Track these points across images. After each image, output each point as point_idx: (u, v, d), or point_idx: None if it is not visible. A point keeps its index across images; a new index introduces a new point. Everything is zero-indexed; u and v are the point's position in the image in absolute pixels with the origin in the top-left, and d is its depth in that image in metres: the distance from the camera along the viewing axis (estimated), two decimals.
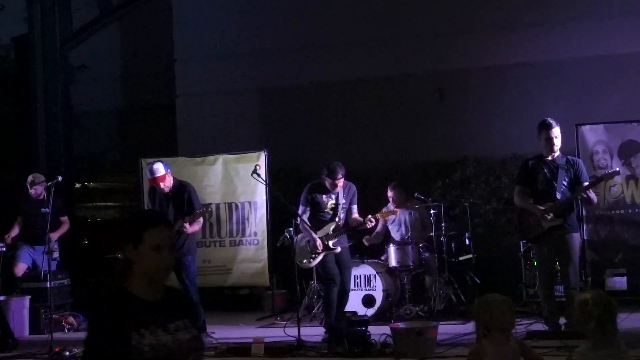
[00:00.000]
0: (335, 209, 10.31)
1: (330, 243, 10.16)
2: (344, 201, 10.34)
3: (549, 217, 8.99)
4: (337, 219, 10.27)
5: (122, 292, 4.11)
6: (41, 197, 12.06)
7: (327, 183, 10.28)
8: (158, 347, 4.00)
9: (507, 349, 5.27)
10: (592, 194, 9.22)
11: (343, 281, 10.27)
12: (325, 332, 9.81)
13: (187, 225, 10.01)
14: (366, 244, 11.87)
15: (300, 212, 10.33)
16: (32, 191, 12.11)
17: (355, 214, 10.39)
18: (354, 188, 10.48)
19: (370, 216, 10.37)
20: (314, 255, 10.19)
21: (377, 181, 13.04)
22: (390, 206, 11.91)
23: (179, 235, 10.12)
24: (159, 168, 10.18)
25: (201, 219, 10.49)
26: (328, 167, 10.26)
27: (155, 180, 10.22)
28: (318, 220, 10.27)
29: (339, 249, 10.21)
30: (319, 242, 10.12)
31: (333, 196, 10.29)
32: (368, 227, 10.54)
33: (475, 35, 14.17)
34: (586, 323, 5.01)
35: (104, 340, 3.96)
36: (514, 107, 13.67)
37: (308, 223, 10.22)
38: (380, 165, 13.87)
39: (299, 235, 10.56)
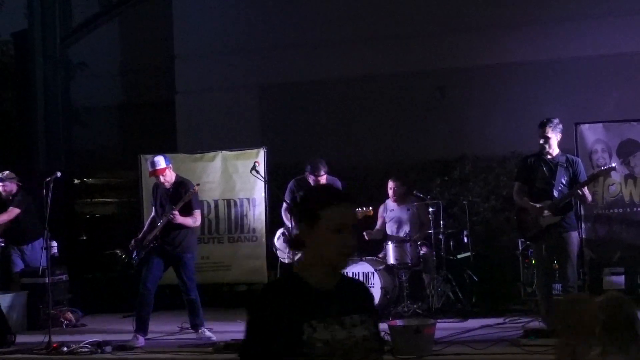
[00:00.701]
0: None
1: None
2: None
3: (545, 214, 8.99)
4: None
5: (294, 279, 3.64)
6: (12, 194, 12.08)
7: (311, 180, 10.47)
8: (332, 343, 3.49)
9: None
10: (587, 192, 9.21)
11: None
12: None
13: (176, 213, 9.99)
14: (366, 237, 11.86)
15: (283, 208, 10.44)
16: (0, 189, 12.12)
17: None
18: (338, 183, 10.62)
19: None
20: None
21: (376, 178, 13.04)
22: (389, 202, 11.93)
23: (178, 231, 10.12)
24: (160, 161, 10.16)
25: (199, 216, 10.44)
26: (310, 164, 10.48)
27: (154, 173, 10.19)
28: None
29: None
30: None
31: None
32: None
33: (476, 33, 14.16)
34: (595, 327, 4.75)
35: (271, 332, 3.47)
36: (514, 105, 13.66)
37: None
38: (380, 163, 13.86)
39: (278, 231, 10.67)
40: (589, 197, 9.38)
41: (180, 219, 10.00)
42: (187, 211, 10.11)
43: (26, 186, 12.31)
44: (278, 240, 10.76)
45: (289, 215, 10.41)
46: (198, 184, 10.54)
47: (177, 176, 10.36)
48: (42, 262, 11.74)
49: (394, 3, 14.75)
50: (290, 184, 10.70)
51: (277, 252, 10.78)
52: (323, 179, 10.40)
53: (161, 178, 10.17)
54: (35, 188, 11.61)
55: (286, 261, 10.69)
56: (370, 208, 10.59)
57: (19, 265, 12.24)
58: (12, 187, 12.09)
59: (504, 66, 14.01)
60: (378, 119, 14.66)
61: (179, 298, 10.52)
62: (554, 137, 9.16)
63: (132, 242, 10.31)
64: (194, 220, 10.27)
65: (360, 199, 12.53)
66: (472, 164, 13.60)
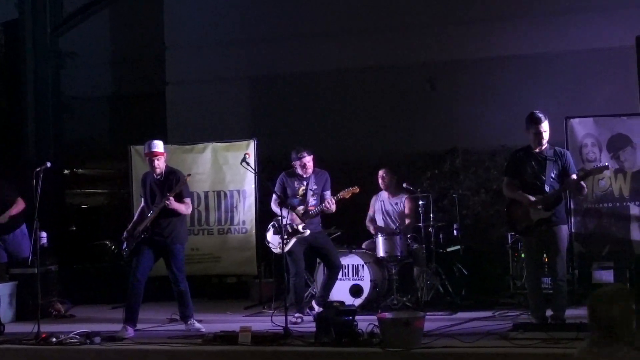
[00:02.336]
0: (305, 195, 10.60)
1: (300, 227, 10.45)
2: (314, 187, 10.62)
3: (539, 207, 8.99)
4: (305, 205, 10.54)
5: None
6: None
7: (297, 165, 10.61)
8: None
9: None
10: (582, 183, 9.22)
11: (330, 259, 10.68)
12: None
13: (172, 199, 9.98)
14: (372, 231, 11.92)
15: (273, 200, 10.60)
16: None
17: (328, 199, 10.56)
18: (326, 175, 10.75)
19: (328, 198, 10.56)
20: (287, 241, 10.39)
21: (366, 171, 13.02)
22: (383, 194, 11.95)
23: (168, 222, 10.11)
24: (159, 145, 10.18)
25: (190, 205, 10.41)
26: (294, 150, 10.65)
27: (152, 154, 10.16)
28: (288, 204, 10.48)
29: (307, 232, 10.50)
30: (297, 220, 10.46)
31: (304, 183, 10.61)
32: (327, 208, 10.57)
33: (467, 26, 14.15)
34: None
35: None
36: (504, 99, 13.65)
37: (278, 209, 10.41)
38: (370, 155, 13.86)
39: (270, 225, 10.76)
40: (585, 189, 9.40)
41: (175, 205, 10.02)
42: (178, 200, 10.11)
43: (16, 176, 12.26)
44: (268, 232, 10.78)
45: (279, 209, 10.42)
46: (189, 174, 10.55)
47: (167, 166, 10.35)
48: (24, 250, 11.73)
49: None
50: (281, 177, 10.74)
51: (269, 244, 10.82)
52: (308, 162, 10.55)
53: (155, 161, 10.15)
54: (25, 178, 11.55)
55: (277, 251, 10.70)
56: (356, 186, 10.58)
57: (2, 257, 12.22)
58: None
59: (494, 59, 14.00)
60: (368, 111, 14.65)
61: (169, 289, 10.50)
62: (548, 131, 9.16)
63: (125, 233, 10.29)
64: (187, 208, 10.28)
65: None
66: (463, 157, 13.62)
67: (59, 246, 13.42)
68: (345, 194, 10.51)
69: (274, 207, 10.67)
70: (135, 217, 10.54)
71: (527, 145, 9.28)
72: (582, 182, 9.16)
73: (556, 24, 13.74)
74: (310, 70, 15.03)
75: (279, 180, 10.72)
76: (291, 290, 10.46)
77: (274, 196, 10.59)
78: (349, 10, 14.87)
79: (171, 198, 9.96)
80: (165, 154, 10.25)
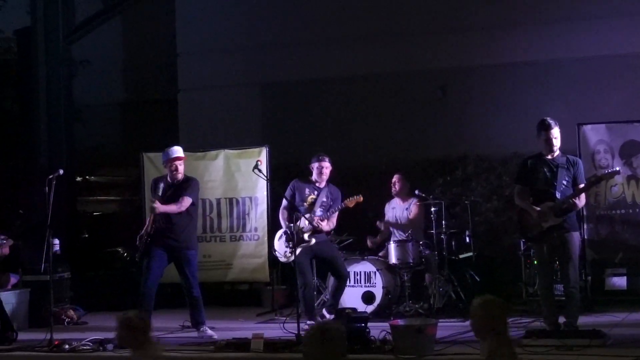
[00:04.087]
0: (313, 204, 10.49)
1: (305, 236, 10.33)
2: (324, 199, 10.51)
3: (546, 224, 8.96)
4: (312, 214, 10.41)
5: None
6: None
7: (315, 168, 10.55)
8: None
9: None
10: (577, 200, 9.17)
11: (336, 269, 10.56)
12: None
13: (157, 203, 10.01)
14: (370, 245, 11.89)
15: (283, 205, 10.58)
16: None
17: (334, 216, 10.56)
18: (339, 193, 10.66)
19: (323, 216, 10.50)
20: (291, 250, 10.31)
21: (378, 178, 13.03)
22: (395, 201, 11.94)
23: (181, 226, 10.13)
24: (179, 149, 10.26)
25: (186, 203, 10.34)
26: (316, 154, 10.62)
27: (176, 159, 10.23)
28: (295, 212, 10.36)
29: (314, 241, 10.39)
30: (304, 229, 10.35)
31: (315, 192, 10.52)
32: (318, 225, 10.42)
33: (478, 33, 14.15)
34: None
35: None
36: (516, 105, 13.65)
37: (286, 216, 10.45)
38: (381, 162, 13.86)
39: (280, 231, 10.76)
40: (579, 205, 9.31)
41: (163, 208, 10.07)
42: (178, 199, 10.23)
43: (28, 184, 12.29)
44: (280, 240, 10.75)
45: (285, 214, 10.42)
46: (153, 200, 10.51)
47: (184, 175, 10.44)
48: None
49: (396, 1, 14.77)
50: (293, 182, 10.72)
51: (275, 253, 10.79)
52: (326, 166, 10.52)
53: (179, 166, 10.20)
54: (38, 185, 11.59)
55: (283, 260, 10.70)
56: (360, 195, 10.52)
57: None
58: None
59: (505, 66, 14.00)
60: (380, 118, 14.66)
61: (180, 296, 10.53)
62: (559, 137, 9.15)
63: (138, 239, 10.32)
64: (178, 206, 10.24)
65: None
66: (474, 163, 13.60)
67: (72, 253, 13.45)
68: (350, 202, 10.45)
69: (281, 215, 10.65)
70: (147, 223, 10.56)
71: (538, 153, 9.27)
72: (577, 199, 9.11)
73: (568, 30, 13.73)
74: (322, 77, 15.04)
75: (291, 186, 10.70)
76: (301, 302, 10.32)
77: (283, 203, 10.58)
78: (360, 17, 14.88)
79: (156, 203, 10.00)
80: (185, 158, 10.34)
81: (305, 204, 10.54)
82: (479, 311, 5.58)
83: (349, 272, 10.89)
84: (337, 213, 10.56)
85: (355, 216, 11.55)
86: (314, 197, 10.54)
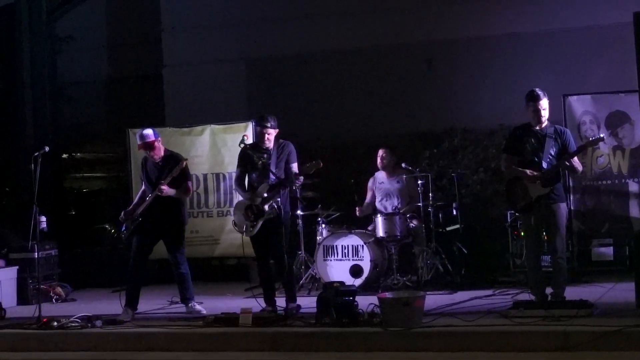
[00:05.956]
0: (265, 169, 9.63)
1: (265, 207, 9.58)
2: (276, 160, 9.67)
3: (537, 182, 8.96)
4: (268, 181, 9.61)
5: None
6: None
7: (257, 132, 9.88)
8: None
9: None
10: (576, 163, 9.16)
11: (275, 249, 9.71)
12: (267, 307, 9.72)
13: (164, 187, 9.93)
14: (358, 214, 11.88)
15: (235, 175, 10.04)
16: None
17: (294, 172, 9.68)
18: (290, 147, 9.79)
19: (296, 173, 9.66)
20: (254, 223, 9.65)
21: (364, 151, 13.01)
22: (378, 174, 11.93)
23: (169, 204, 10.04)
24: (149, 133, 10.10)
25: (190, 188, 10.36)
26: (259, 116, 9.85)
27: (144, 146, 10.12)
28: (251, 182, 9.83)
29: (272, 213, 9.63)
30: (253, 206, 9.62)
31: (265, 155, 9.67)
32: (298, 184, 9.74)
33: (463, 4, 14.11)
34: None
35: None
36: (502, 77, 13.63)
37: (241, 187, 9.85)
38: (368, 136, 13.83)
39: (235, 203, 10.26)
40: (579, 167, 9.33)
41: (170, 192, 9.97)
42: (177, 184, 10.06)
43: (14, 161, 12.24)
44: (238, 213, 9.98)
45: (239, 189, 9.91)
46: (186, 159, 10.39)
47: (166, 150, 10.30)
48: None
49: None
50: (241, 152, 9.96)
51: (235, 228, 10.02)
52: (270, 135, 9.67)
53: (150, 151, 10.11)
54: (23, 163, 11.55)
55: (253, 233, 9.74)
56: (319, 160, 9.40)
57: None
58: None
59: (491, 38, 13.97)
60: (366, 92, 14.63)
61: (169, 272, 10.51)
62: (548, 108, 9.13)
63: (122, 214, 10.24)
64: (186, 192, 10.24)
65: (347, 172, 12.56)
66: (461, 136, 13.60)
67: (59, 231, 13.44)
68: (308, 169, 9.46)
69: (235, 187, 10.19)
70: (135, 200, 10.52)
71: (526, 123, 9.25)
72: (574, 162, 9.10)
73: (555, 1, 13.69)
74: (308, 51, 14.99)
75: (239, 154, 9.96)
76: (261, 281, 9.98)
77: (236, 173, 10.00)
78: None
79: (164, 187, 9.91)
80: (158, 139, 10.18)
81: (257, 170, 9.74)
82: None
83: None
84: (295, 164, 9.72)
85: (342, 190, 11.54)
86: (263, 161, 9.66)
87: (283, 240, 9.57)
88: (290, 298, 9.77)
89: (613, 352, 7.47)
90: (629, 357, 7.40)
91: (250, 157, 9.73)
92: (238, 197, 12.53)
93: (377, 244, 11.31)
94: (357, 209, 11.84)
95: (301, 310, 9.57)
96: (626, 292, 9.10)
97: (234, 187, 10.18)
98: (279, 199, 9.64)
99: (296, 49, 15.03)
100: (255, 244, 9.88)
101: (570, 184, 11.24)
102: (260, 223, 9.63)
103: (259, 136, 9.78)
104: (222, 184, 12.93)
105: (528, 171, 9.01)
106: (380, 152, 11.95)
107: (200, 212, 13.03)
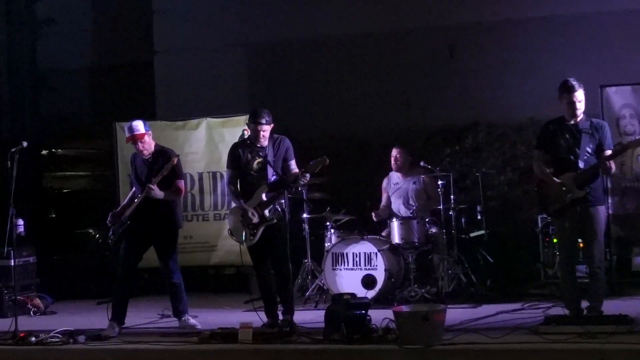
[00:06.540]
0: (263, 169, 9.60)
1: (266, 212, 9.52)
2: (273, 158, 9.61)
3: (568, 197, 8.91)
4: (267, 182, 9.56)
5: None
6: None
7: (250, 130, 9.76)
8: None
9: None
10: (611, 163, 9.12)
11: (278, 258, 9.65)
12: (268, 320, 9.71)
13: (154, 187, 9.86)
14: (375, 219, 11.87)
15: (226, 178, 9.99)
16: None
17: (295, 171, 9.63)
18: (287, 142, 9.77)
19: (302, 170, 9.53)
20: (254, 231, 9.56)
21: (378, 148, 13.03)
22: (392, 174, 11.92)
23: (161, 205, 9.98)
24: (138, 125, 10.05)
25: (182, 188, 10.32)
26: (252, 112, 9.77)
27: (132, 138, 10.07)
28: (246, 184, 9.71)
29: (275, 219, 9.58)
30: (250, 212, 9.50)
31: (261, 154, 9.59)
32: (303, 182, 9.64)
33: None
34: None
35: None
36: (532, 66, 13.60)
37: (237, 190, 9.75)
38: (382, 130, 13.85)
39: (231, 208, 10.17)
40: (614, 168, 9.29)
41: (160, 194, 9.91)
42: (169, 182, 10.01)
43: None
44: (233, 220, 9.93)
45: (232, 188, 9.81)
46: (178, 155, 10.33)
47: (156, 145, 10.26)
48: None
49: None
50: (231, 151, 9.91)
51: (232, 237, 9.99)
52: (264, 131, 9.56)
53: (139, 145, 10.05)
54: None
55: (254, 242, 9.67)
56: (325, 157, 9.35)
57: None
58: None
59: (520, 21, 13.94)
60: (380, 82, 14.60)
61: (160, 282, 10.48)
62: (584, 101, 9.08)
63: (109, 217, 10.19)
64: (178, 192, 10.17)
65: (358, 171, 12.53)
66: (486, 131, 13.63)
67: (38, 235, 13.44)
68: (313, 167, 9.40)
69: (228, 192, 10.13)
70: (125, 201, 10.48)
71: (560, 117, 9.20)
72: (610, 162, 9.04)
73: None
74: (314, 36, 14.97)
75: (229, 154, 9.91)
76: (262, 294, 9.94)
77: (227, 174, 9.95)
78: None
79: (154, 187, 9.85)
80: (149, 133, 10.14)
81: (253, 171, 9.66)
82: None
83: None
84: (294, 161, 9.69)
85: (354, 192, 11.51)
86: (260, 160, 9.62)
87: (287, 248, 9.52)
88: (288, 310, 9.72)
89: None
90: None
91: (242, 156, 9.69)
92: None
93: (393, 251, 11.29)
94: (373, 213, 11.83)
95: (307, 325, 9.52)
96: None
97: (226, 191, 10.05)
98: (282, 201, 9.60)
99: (301, 34, 15.02)
100: (254, 252, 9.83)
101: (609, 185, 11.18)
102: (261, 230, 9.57)
103: (254, 134, 9.67)
104: (219, 184, 12.93)
105: (557, 180, 8.95)
106: (394, 153, 11.93)
107: (195, 215, 13.03)
